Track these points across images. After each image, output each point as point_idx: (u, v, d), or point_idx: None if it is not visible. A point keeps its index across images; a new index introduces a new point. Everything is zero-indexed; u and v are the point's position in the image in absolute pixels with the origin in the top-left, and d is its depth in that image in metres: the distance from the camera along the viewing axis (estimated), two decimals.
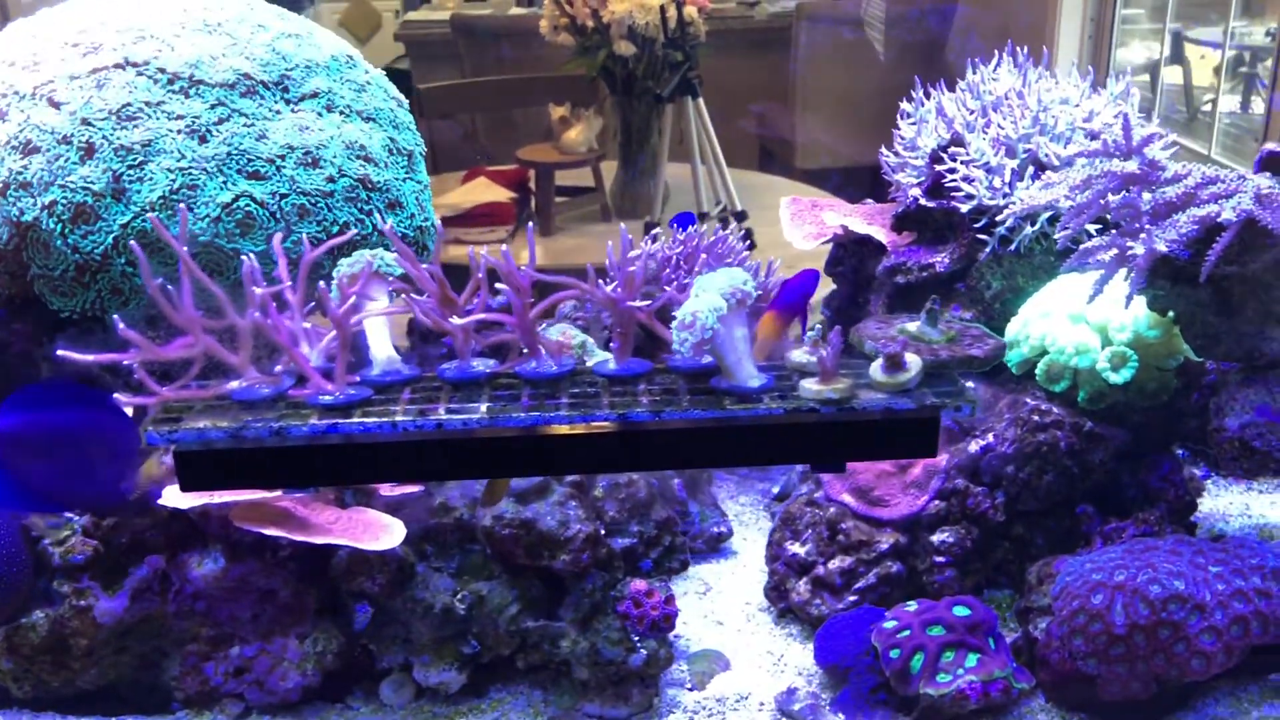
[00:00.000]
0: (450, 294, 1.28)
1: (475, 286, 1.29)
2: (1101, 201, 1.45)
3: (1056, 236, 1.53)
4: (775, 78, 4.87)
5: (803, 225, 2.06)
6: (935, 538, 1.72)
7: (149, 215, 1.18)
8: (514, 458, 1.25)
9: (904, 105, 2.00)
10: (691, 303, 1.23)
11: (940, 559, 1.72)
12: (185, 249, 1.23)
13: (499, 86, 4.49)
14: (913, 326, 1.34)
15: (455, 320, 1.27)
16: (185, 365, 1.24)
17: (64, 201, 1.45)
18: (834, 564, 1.74)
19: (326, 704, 1.60)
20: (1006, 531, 1.75)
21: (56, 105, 1.47)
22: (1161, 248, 1.40)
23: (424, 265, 1.27)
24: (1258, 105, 3.25)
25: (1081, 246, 1.46)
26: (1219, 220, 1.41)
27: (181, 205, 1.26)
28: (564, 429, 1.23)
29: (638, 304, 1.29)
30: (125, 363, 1.20)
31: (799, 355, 1.31)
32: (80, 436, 1.38)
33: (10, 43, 1.57)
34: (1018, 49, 1.92)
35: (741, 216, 3.52)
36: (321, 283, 1.22)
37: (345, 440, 1.22)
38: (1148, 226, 1.40)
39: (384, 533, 1.52)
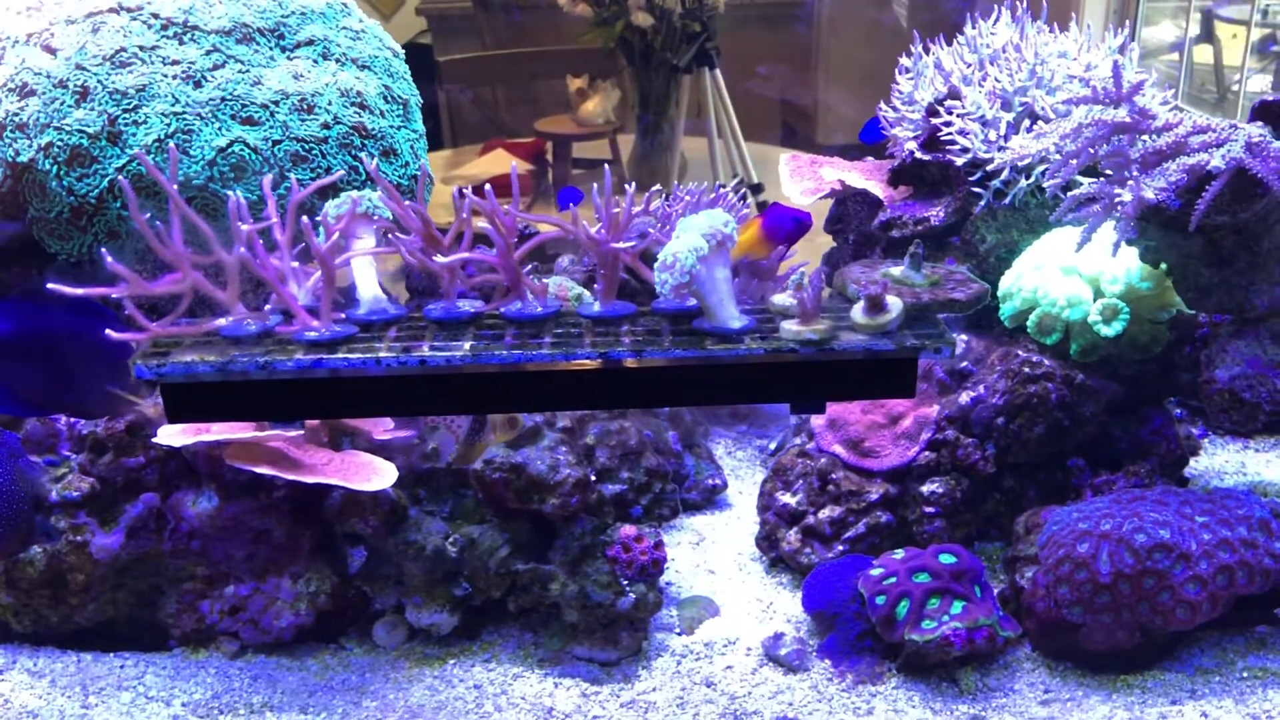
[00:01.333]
0: (435, 234, 1.29)
1: (460, 227, 1.30)
2: (1090, 150, 1.45)
3: (1045, 185, 1.53)
4: (797, 51, 4.85)
5: (801, 181, 2.06)
6: (925, 488, 1.73)
7: (137, 154, 1.19)
8: (496, 394, 1.27)
9: (903, 60, 2.00)
10: (672, 244, 1.24)
11: (929, 509, 1.73)
12: (175, 188, 1.25)
13: (518, 59, 4.49)
14: (896, 271, 1.34)
15: (439, 259, 1.28)
16: (175, 301, 1.26)
17: (60, 143, 1.47)
18: (824, 514, 1.76)
19: (320, 644, 1.63)
20: (998, 483, 1.76)
21: (52, 50, 1.49)
22: (1149, 195, 1.39)
23: (409, 203, 1.28)
24: None
25: (1069, 195, 1.46)
26: (1209, 169, 1.41)
27: (172, 145, 1.28)
28: (546, 366, 1.24)
29: (621, 245, 1.30)
30: (114, 296, 1.22)
31: (782, 298, 1.31)
32: (66, 339, 1.40)
33: None
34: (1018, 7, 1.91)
35: (758, 189, 3.53)
36: (306, 218, 1.23)
37: (330, 375, 1.24)
38: (1136, 174, 1.40)
39: (376, 474, 1.54)
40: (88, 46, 1.48)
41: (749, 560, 1.85)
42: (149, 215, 1.20)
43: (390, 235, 1.31)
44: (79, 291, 1.23)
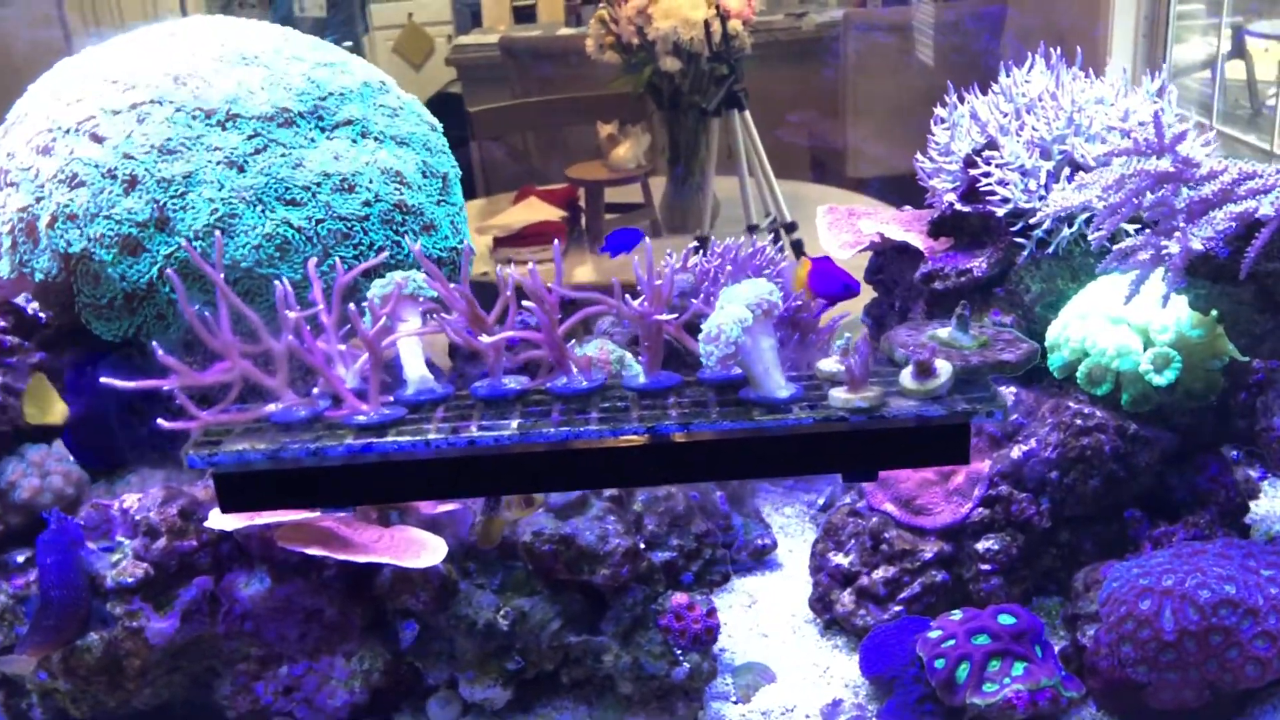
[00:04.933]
0: (479, 313, 1.30)
1: (504, 304, 1.31)
2: (1135, 200, 1.43)
3: (1091, 238, 1.52)
4: (824, 87, 4.86)
5: (840, 234, 2.05)
6: (980, 545, 1.71)
7: (184, 245, 1.21)
8: (545, 473, 1.27)
9: (938, 110, 1.99)
10: (716, 315, 1.23)
11: (985, 567, 1.70)
12: (221, 276, 1.26)
13: (548, 106, 4.53)
14: (944, 333, 1.33)
15: (484, 338, 1.28)
16: (224, 390, 1.27)
17: (111, 233, 1.49)
18: (878, 574, 1.73)
19: None
20: (1053, 538, 1.73)
21: (99, 140, 1.52)
22: (1197, 245, 1.38)
23: (453, 285, 1.29)
24: None
25: (1116, 247, 1.45)
26: (1257, 216, 1.39)
27: (218, 233, 1.30)
28: (594, 443, 1.24)
29: (665, 317, 1.30)
30: (165, 389, 1.23)
31: (828, 364, 1.31)
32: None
33: (55, 79, 1.62)
34: (1066, 51, 1.90)
35: (792, 227, 3.53)
36: (352, 305, 1.24)
37: (381, 459, 1.24)
38: (1183, 225, 1.39)
39: (426, 550, 1.54)
40: (134, 135, 1.51)
41: (803, 622, 1.83)
42: (197, 308, 1.22)
43: (435, 316, 1.32)
44: (132, 385, 1.24)
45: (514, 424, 1.25)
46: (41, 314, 1.67)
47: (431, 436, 1.23)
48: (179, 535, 1.51)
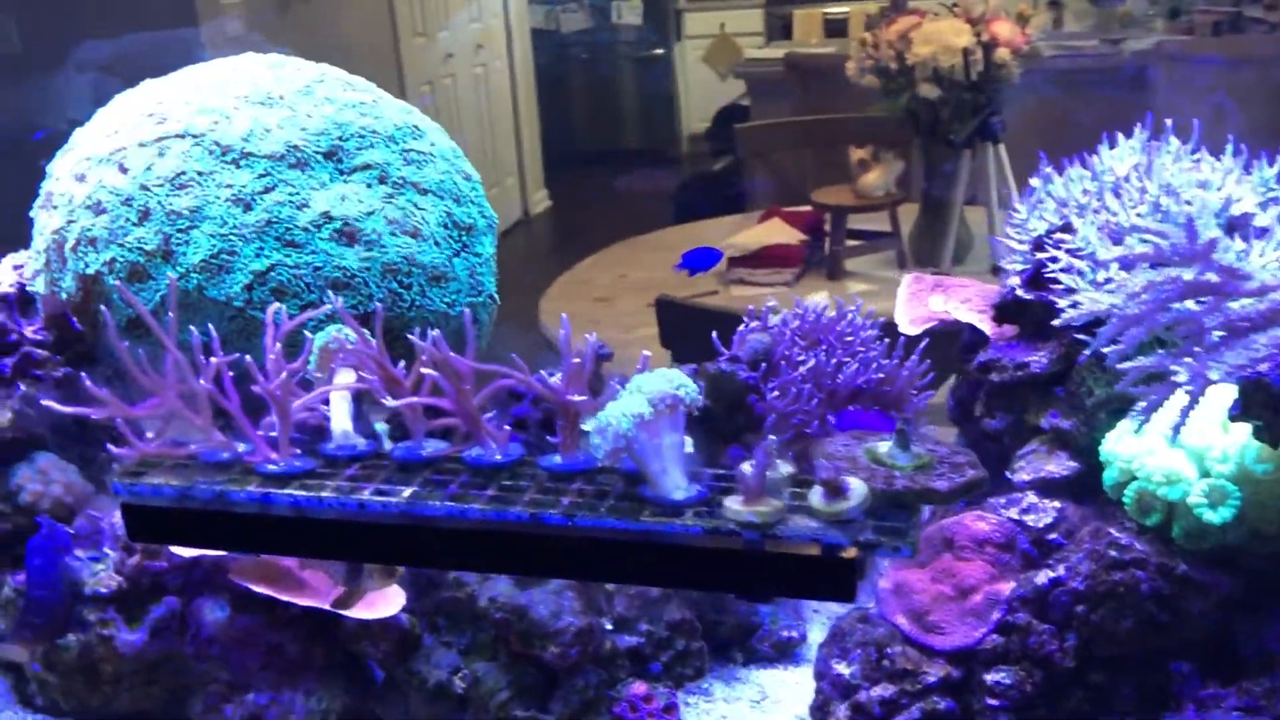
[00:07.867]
0: (393, 374, 1.27)
1: (420, 369, 1.27)
2: (1158, 316, 1.23)
3: (1104, 351, 1.31)
4: (1134, 117, 4.55)
5: (914, 307, 1.88)
6: (990, 677, 1.51)
7: (118, 285, 1.25)
8: (428, 548, 1.22)
9: (1033, 182, 1.79)
10: (612, 406, 1.15)
11: (993, 702, 1.51)
12: (160, 315, 1.29)
13: (809, 127, 4.40)
14: (883, 447, 1.18)
15: (388, 401, 1.25)
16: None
17: (121, 259, 1.57)
18: (876, 691, 1.57)
19: None
20: (1083, 677, 1.51)
21: (124, 170, 1.59)
22: (1215, 376, 1.16)
23: (362, 346, 1.26)
24: None
25: (1123, 365, 1.24)
26: None
27: (171, 276, 1.33)
28: (477, 523, 1.18)
29: (579, 399, 1.22)
30: (93, 418, 1.28)
31: (748, 467, 1.19)
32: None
33: (109, 111, 1.72)
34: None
35: None
36: (250, 357, 1.24)
37: (277, 510, 1.23)
38: (1195, 350, 1.17)
39: (383, 600, 1.52)
40: (154, 167, 1.58)
41: None
42: (127, 344, 1.25)
43: (360, 373, 1.30)
44: (68, 409, 1.29)
45: (407, 492, 1.21)
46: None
47: (324, 495, 1.22)
48: (151, 555, 1.56)
